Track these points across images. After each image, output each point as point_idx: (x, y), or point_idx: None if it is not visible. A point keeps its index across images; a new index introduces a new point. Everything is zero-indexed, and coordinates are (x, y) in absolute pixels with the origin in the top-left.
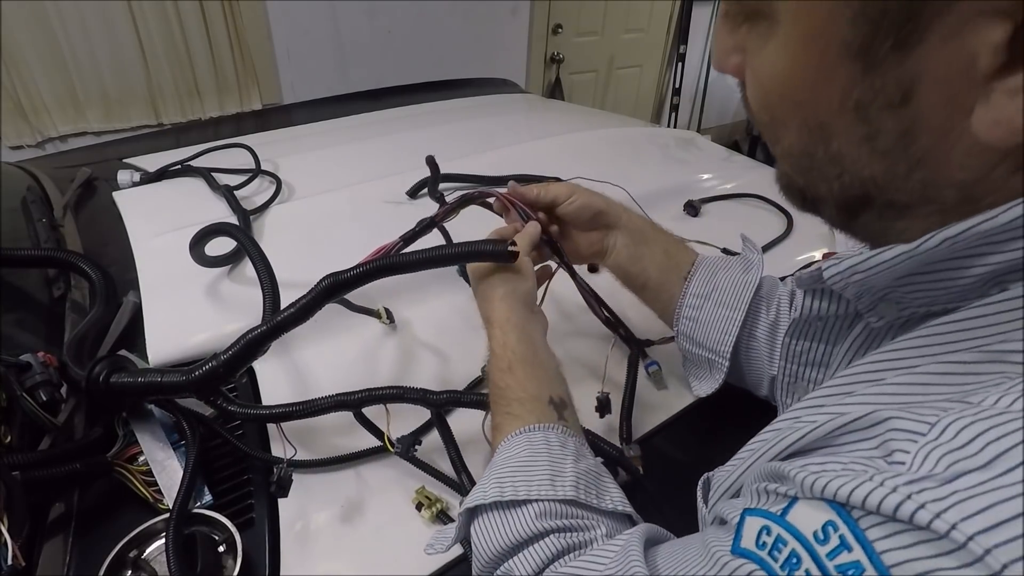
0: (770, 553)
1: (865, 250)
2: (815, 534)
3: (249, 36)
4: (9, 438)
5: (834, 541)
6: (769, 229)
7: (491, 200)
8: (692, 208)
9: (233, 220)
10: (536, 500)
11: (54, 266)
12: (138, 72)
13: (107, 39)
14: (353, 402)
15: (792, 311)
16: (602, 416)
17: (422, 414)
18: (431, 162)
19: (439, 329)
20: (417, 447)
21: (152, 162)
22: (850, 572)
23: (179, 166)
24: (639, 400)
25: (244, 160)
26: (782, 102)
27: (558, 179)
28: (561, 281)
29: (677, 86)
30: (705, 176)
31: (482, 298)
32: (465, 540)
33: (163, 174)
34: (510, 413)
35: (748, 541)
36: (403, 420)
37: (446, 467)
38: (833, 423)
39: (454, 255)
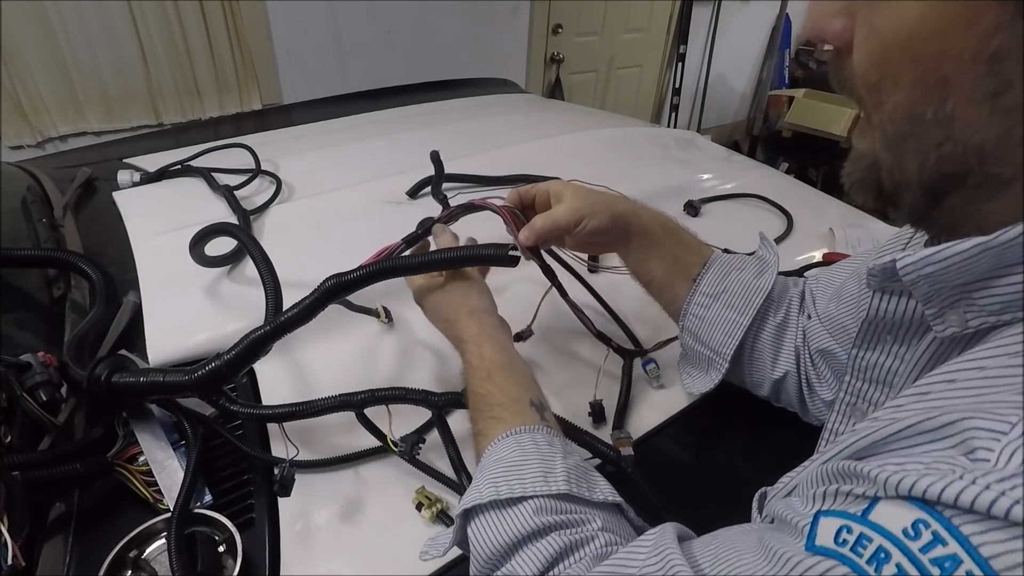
0: (852, 549)
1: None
2: (904, 531)
3: (249, 36)
4: (9, 438)
5: (926, 537)
6: (769, 229)
7: (492, 208)
8: (692, 208)
9: (233, 220)
10: (532, 496)
11: (54, 266)
12: (138, 72)
13: (107, 39)
14: (356, 402)
15: (811, 308)
16: (595, 424)
17: (421, 414)
18: (435, 158)
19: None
20: (420, 446)
21: (152, 162)
22: (947, 564)
23: (179, 166)
24: (638, 400)
25: (244, 160)
26: (902, 56)
27: (558, 179)
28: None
29: (677, 86)
30: (705, 176)
31: (441, 319)
32: (463, 543)
33: (163, 174)
34: (494, 417)
35: (825, 539)
36: (402, 420)
37: (445, 467)
38: (895, 426)
39: (456, 258)
